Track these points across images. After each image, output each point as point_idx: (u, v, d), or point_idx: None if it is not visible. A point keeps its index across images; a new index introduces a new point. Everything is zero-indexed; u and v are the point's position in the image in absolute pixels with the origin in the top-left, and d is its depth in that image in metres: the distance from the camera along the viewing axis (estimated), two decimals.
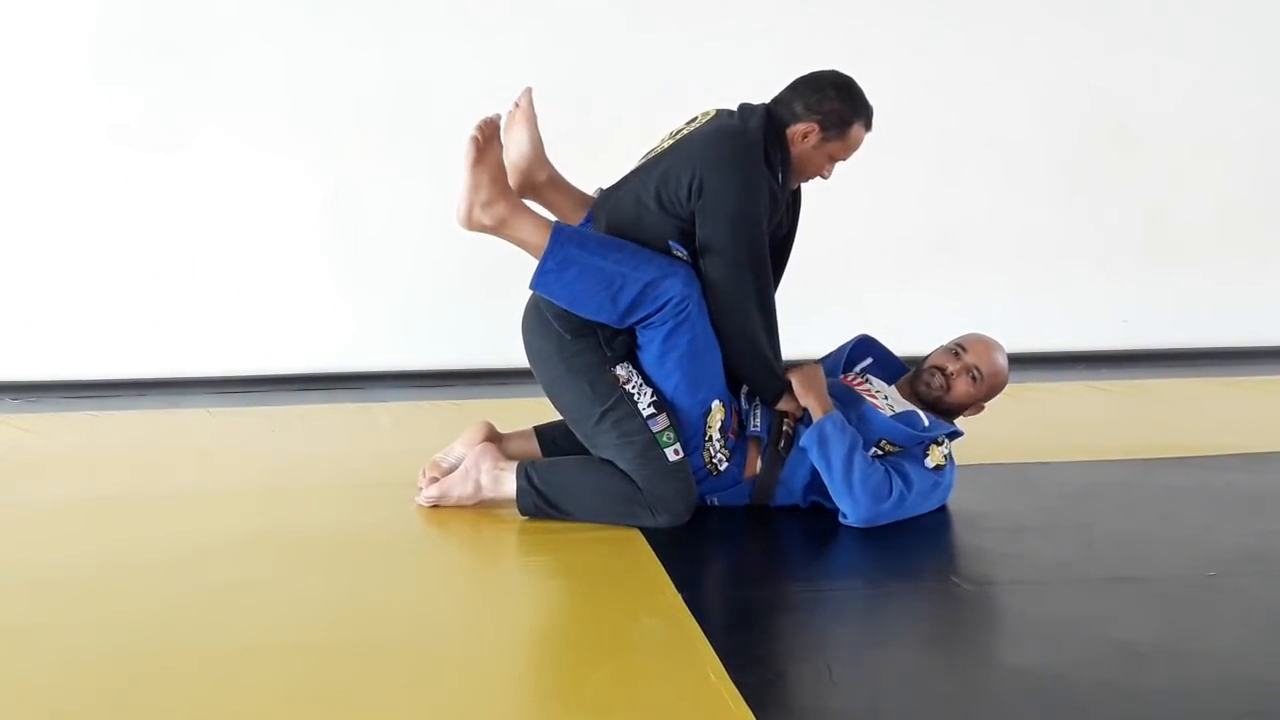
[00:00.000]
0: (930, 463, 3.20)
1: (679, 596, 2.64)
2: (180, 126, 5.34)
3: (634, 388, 3.09)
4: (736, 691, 2.17)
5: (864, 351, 3.52)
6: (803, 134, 3.14)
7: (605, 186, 3.31)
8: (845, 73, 3.21)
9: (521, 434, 3.41)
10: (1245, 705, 2.17)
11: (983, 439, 3.51)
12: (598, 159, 5.43)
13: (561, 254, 3.00)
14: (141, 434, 4.41)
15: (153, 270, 5.39)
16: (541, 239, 3.03)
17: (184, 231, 5.39)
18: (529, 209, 3.14)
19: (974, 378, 3.32)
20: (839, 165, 3.25)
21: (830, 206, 5.73)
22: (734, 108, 3.22)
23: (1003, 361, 3.37)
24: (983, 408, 3.40)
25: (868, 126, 3.20)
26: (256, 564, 2.90)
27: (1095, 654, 2.35)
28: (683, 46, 5.48)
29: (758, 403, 3.24)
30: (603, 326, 3.08)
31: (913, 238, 5.67)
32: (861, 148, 3.21)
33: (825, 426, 3.12)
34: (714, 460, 3.15)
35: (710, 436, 3.13)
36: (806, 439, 3.14)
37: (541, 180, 3.32)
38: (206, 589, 2.73)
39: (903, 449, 3.20)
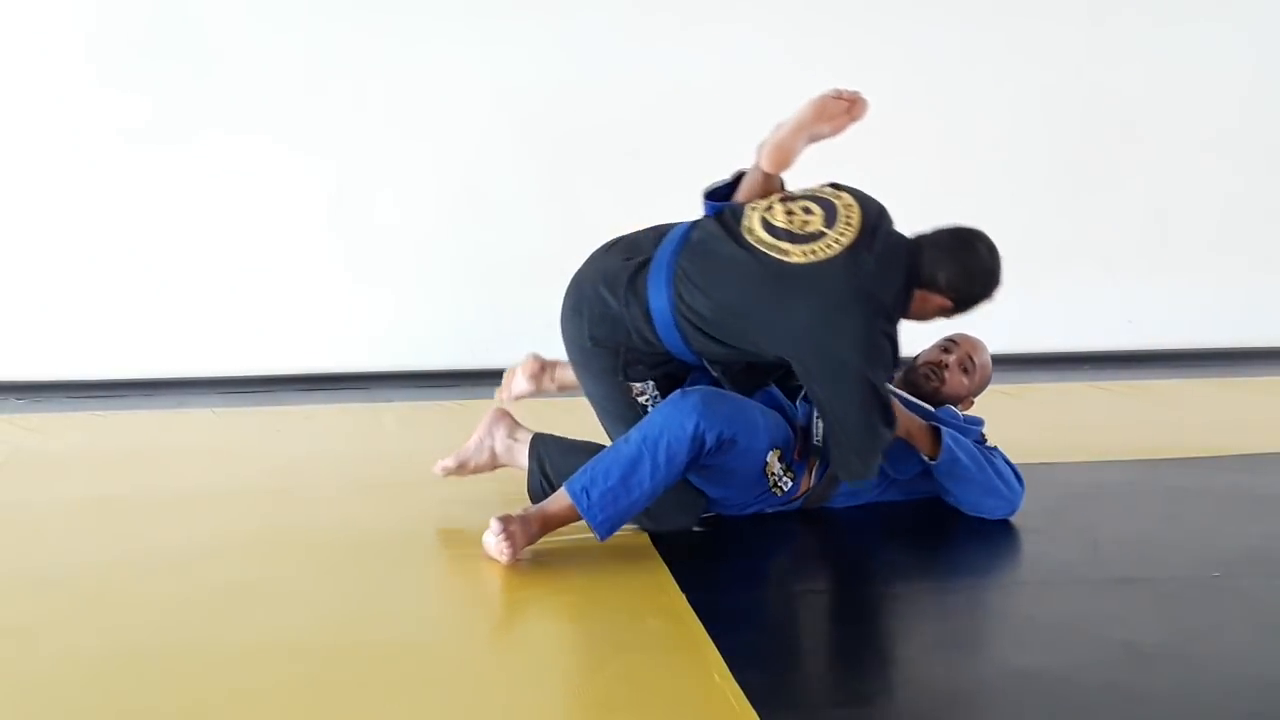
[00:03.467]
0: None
1: (683, 597, 2.64)
2: (186, 127, 5.34)
3: (647, 400, 3.08)
4: (740, 692, 2.17)
5: None
6: (933, 301, 2.99)
7: (700, 229, 3.05)
8: (996, 248, 3.06)
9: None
10: (1250, 706, 2.17)
11: (985, 439, 3.51)
12: (598, 159, 5.50)
13: (601, 512, 2.85)
14: (147, 434, 4.41)
15: (158, 270, 5.39)
16: (574, 515, 2.89)
17: (189, 232, 5.39)
18: (534, 512, 2.93)
19: (966, 370, 3.39)
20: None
21: None
22: (873, 213, 3.00)
23: (988, 357, 3.46)
24: (971, 403, 3.45)
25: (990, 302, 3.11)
26: (262, 564, 2.90)
27: (1099, 655, 2.35)
28: (685, 49, 5.48)
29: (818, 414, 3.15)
30: (627, 350, 3.03)
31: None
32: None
33: (950, 449, 3.14)
34: (779, 484, 3.13)
35: (772, 471, 3.10)
36: (940, 472, 3.15)
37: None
38: (212, 589, 2.73)
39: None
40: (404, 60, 5.42)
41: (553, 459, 3.17)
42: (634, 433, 2.92)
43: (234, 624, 2.54)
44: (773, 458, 3.07)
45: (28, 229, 5.33)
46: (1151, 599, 2.66)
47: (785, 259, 2.90)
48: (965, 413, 3.41)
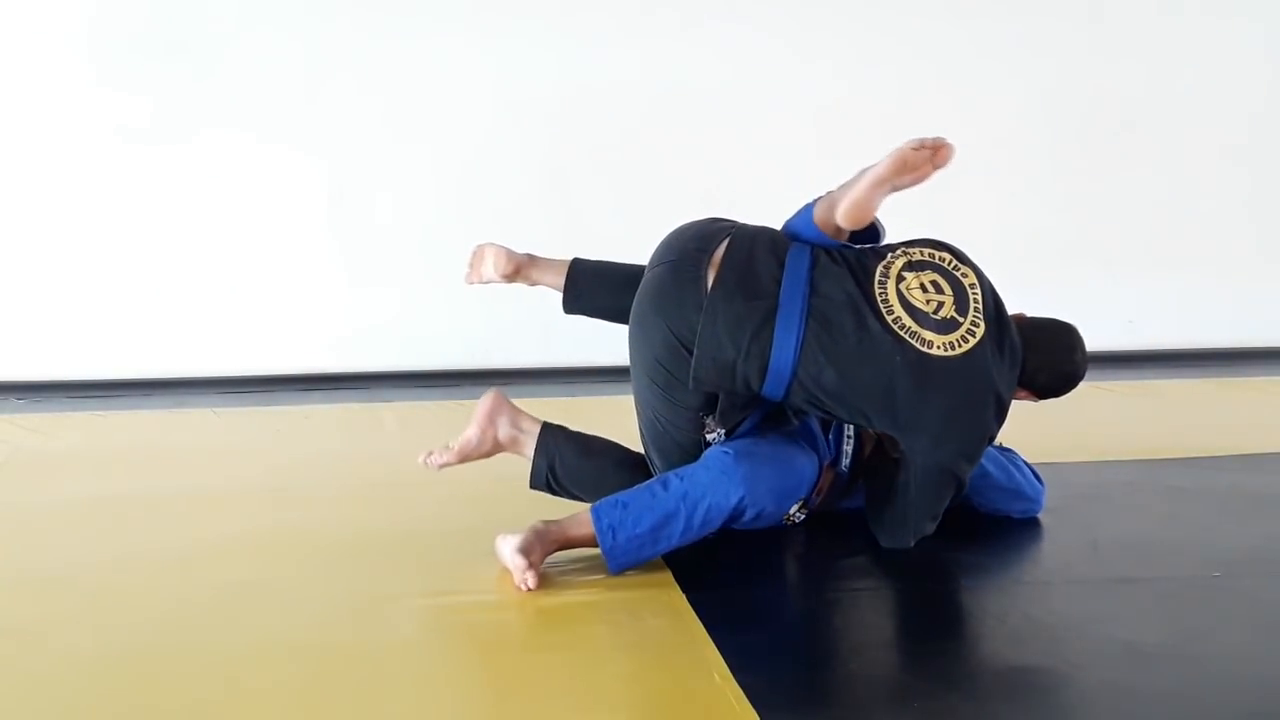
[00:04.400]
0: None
1: (683, 596, 2.64)
2: (185, 127, 5.34)
3: (715, 438, 2.98)
4: (741, 692, 2.17)
5: None
6: (1022, 394, 2.97)
7: (831, 283, 2.85)
8: (1086, 349, 3.04)
9: (557, 265, 3.23)
10: (1250, 705, 2.17)
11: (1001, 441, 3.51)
12: (598, 159, 5.50)
13: (623, 555, 2.80)
14: (146, 434, 4.41)
15: (157, 270, 5.39)
16: (589, 539, 2.83)
17: (189, 232, 5.40)
18: (555, 530, 2.85)
19: None
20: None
21: None
22: (990, 297, 2.94)
23: None
24: None
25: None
26: (262, 564, 2.90)
27: (1100, 654, 2.35)
28: (686, 47, 5.48)
29: (849, 436, 3.14)
30: (728, 394, 2.89)
31: (914, 238, 5.66)
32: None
33: (981, 464, 3.08)
34: (793, 518, 3.09)
35: (790, 516, 3.07)
36: (971, 487, 3.08)
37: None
38: (211, 589, 2.73)
39: None
40: (404, 60, 5.42)
41: (565, 460, 3.07)
42: (675, 482, 2.84)
43: (234, 624, 2.54)
44: (795, 507, 3.05)
45: (28, 229, 5.33)
46: (1151, 599, 2.66)
47: (929, 351, 2.79)
48: None
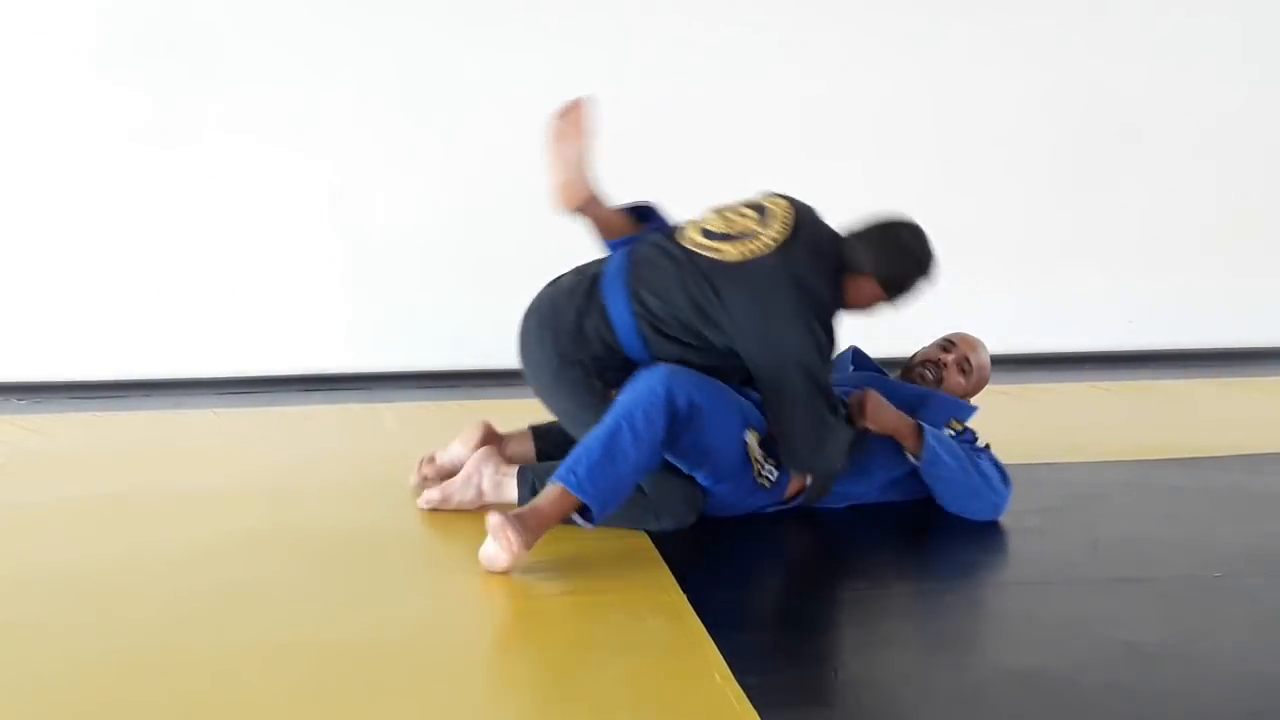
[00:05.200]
0: (980, 443, 3.33)
1: (684, 596, 2.64)
2: (186, 127, 5.34)
3: None
4: (741, 692, 2.17)
5: (852, 363, 3.57)
6: (865, 289, 3.10)
7: (656, 211, 3.29)
8: (923, 231, 3.16)
9: (519, 435, 3.43)
10: (1251, 705, 2.17)
11: (986, 439, 3.51)
12: (598, 159, 5.50)
13: (590, 485, 2.85)
14: (147, 435, 4.41)
15: (158, 271, 5.39)
16: (569, 503, 2.87)
17: (189, 232, 5.40)
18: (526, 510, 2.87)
19: (963, 370, 3.41)
20: None
21: (832, 208, 5.75)
22: (804, 213, 3.12)
23: (987, 358, 3.46)
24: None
25: (930, 284, 3.17)
26: (262, 564, 2.90)
27: (1100, 655, 2.35)
28: (685, 46, 5.48)
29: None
30: (594, 358, 3.09)
31: None
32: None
33: (933, 448, 3.15)
34: (765, 474, 3.14)
35: (755, 459, 3.11)
36: (926, 473, 3.17)
37: (586, 201, 3.28)
38: (212, 589, 2.73)
39: (965, 428, 3.32)
40: (405, 61, 5.42)
41: (544, 479, 3.08)
42: (610, 411, 2.94)
43: (234, 624, 2.54)
44: (751, 439, 3.09)
45: (28, 229, 5.33)
46: (1151, 599, 2.66)
47: (721, 258, 3.04)
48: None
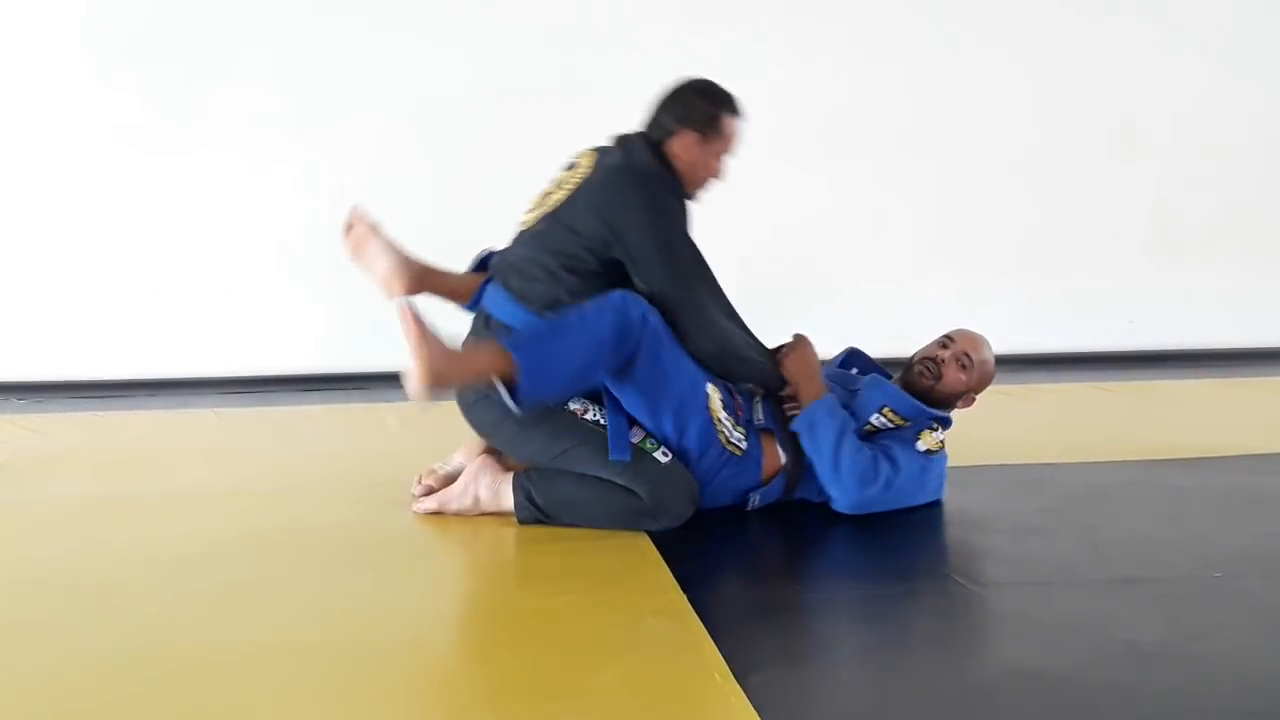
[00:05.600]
0: (921, 446, 3.26)
1: (683, 596, 2.64)
2: (184, 127, 5.35)
3: (594, 415, 3.09)
4: (741, 692, 2.17)
5: (852, 363, 3.58)
6: (683, 145, 3.19)
7: (495, 250, 3.34)
8: (702, 76, 3.27)
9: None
10: (1252, 706, 2.17)
11: (987, 440, 3.51)
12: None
13: (526, 351, 2.93)
14: (147, 434, 4.41)
15: (157, 271, 5.40)
16: (501, 362, 2.93)
17: (189, 232, 5.40)
18: (471, 349, 3.06)
19: (963, 365, 3.36)
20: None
21: (833, 207, 5.75)
22: (609, 143, 3.26)
23: (989, 354, 3.42)
24: (973, 400, 3.42)
25: (738, 114, 3.26)
26: (262, 564, 2.90)
27: (1101, 655, 2.35)
28: (689, 45, 5.48)
29: (758, 397, 3.26)
30: None
31: (917, 238, 5.68)
32: (740, 136, 3.26)
33: (816, 411, 3.17)
34: (733, 441, 3.16)
35: (719, 419, 3.13)
36: (798, 424, 3.19)
37: (419, 276, 3.29)
38: (211, 589, 2.73)
39: (904, 422, 3.27)
40: (405, 60, 5.43)
41: (539, 487, 3.13)
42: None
43: (233, 623, 2.54)
44: (713, 393, 3.12)
45: (28, 229, 5.34)
46: (1151, 599, 2.66)
47: (553, 203, 3.18)
48: (964, 409, 3.40)
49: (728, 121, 3.23)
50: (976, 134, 5.78)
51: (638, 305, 3.01)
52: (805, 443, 3.18)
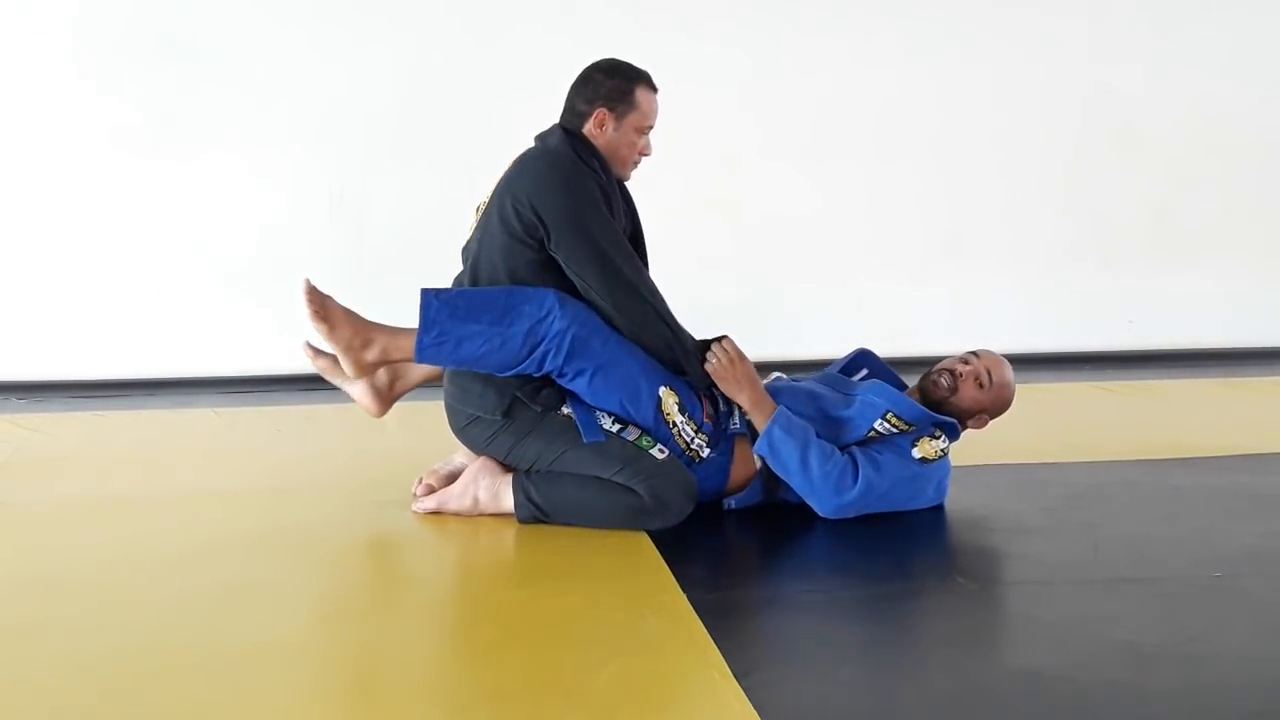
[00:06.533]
0: (917, 454, 3.22)
1: (684, 596, 2.64)
2: (184, 128, 5.34)
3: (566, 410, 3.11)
4: (741, 692, 2.17)
5: (861, 364, 3.52)
6: (598, 124, 3.21)
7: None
8: (609, 57, 3.29)
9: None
10: (1251, 706, 2.17)
11: (988, 440, 3.50)
12: None
13: (436, 330, 3.05)
14: (147, 434, 4.41)
15: (157, 270, 5.40)
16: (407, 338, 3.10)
17: (189, 232, 5.40)
18: (392, 328, 3.19)
19: (981, 384, 3.30)
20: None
21: (834, 207, 5.76)
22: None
23: (1010, 378, 3.36)
24: (985, 422, 3.37)
25: (651, 87, 3.28)
26: (262, 563, 2.90)
27: (1101, 655, 2.35)
28: (684, 50, 5.47)
29: (737, 405, 3.23)
30: (520, 387, 3.11)
31: (917, 238, 5.67)
32: (655, 108, 3.28)
33: (773, 434, 3.14)
34: (692, 447, 3.16)
35: (674, 424, 3.13)
36: (759, 448, 3.16)
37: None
38: (212, 588, 2.73)
39: (909, 426, 3.22)
40: (404, 59, 5.43)
41: (539, 487, 3.14)
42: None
43: (233, 622, 2.54)
44: (667, 396, 3.11)
45: (28, 229, 5.33)
46: (1152, 599, 2.66)
47: (484, 212, 3.23)
48: (975, 429, 3.37)
49: (641, 94, 3.24)
50: (977, 133, 5.77)
51: (562, 319, 3.02)
52: (771, 464, 3.16)
